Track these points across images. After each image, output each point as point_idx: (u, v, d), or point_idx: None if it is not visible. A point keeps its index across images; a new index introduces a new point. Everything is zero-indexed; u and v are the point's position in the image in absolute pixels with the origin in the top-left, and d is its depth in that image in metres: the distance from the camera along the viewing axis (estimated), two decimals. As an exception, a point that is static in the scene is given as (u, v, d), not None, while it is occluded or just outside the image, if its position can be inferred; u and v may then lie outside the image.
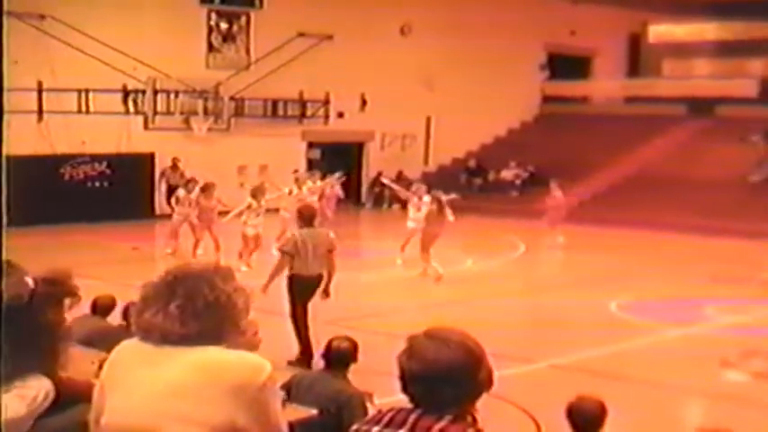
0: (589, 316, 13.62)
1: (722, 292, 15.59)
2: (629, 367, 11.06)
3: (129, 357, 2.84)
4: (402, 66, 28.43)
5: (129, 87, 23.74)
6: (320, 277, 10.33)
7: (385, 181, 23.65)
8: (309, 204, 12.96)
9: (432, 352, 2.66)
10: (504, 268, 18.85)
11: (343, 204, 24.57)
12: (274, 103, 26.74)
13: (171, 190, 19.54)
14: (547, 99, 33.78)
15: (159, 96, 24.32)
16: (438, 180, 25.33)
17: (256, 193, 17.09)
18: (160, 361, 2.73)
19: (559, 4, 31.52)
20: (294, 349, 10.32)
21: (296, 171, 23.09)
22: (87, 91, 22.61)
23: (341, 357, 6.51)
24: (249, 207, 16.76)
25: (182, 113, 24.92)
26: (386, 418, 2.73)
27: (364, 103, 28.46)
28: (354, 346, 6.60)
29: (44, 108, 22.57)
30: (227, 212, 17.46)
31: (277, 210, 18.73)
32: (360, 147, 29.80)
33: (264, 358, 2.76)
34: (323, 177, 21.60)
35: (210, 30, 26.02)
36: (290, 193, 18.87)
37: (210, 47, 26.03)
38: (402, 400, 2.74)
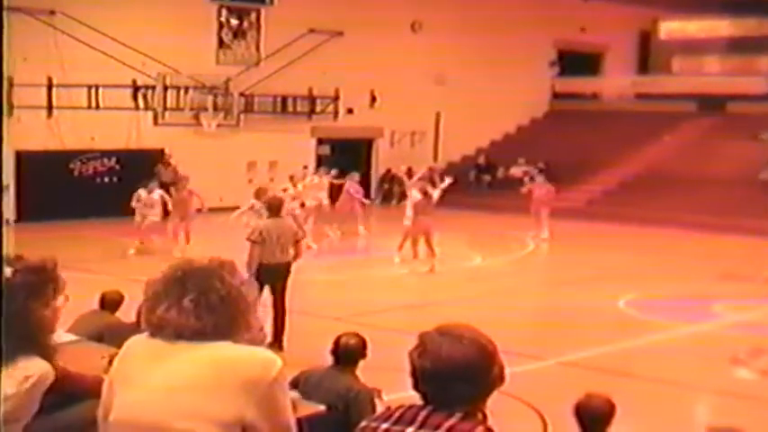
0: (597, 313, 13.56)
1: (732, 290, 15.52)
2: (638, 365, 11.04)
3: (140, 353, 2.83)
4: (412, 62, 28.40)
5: (139, 83, 23.71)
6: (287, 265, 11.12)
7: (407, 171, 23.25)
8: (277, 196, 13.21)
9: (445, 349, 2.62)
10: (512, 265, 18.84)
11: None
12: (284, 99, 26.71)
13: (163, 187, 19.23)
14: (557, 96, 33.65)
15: (169, 92, 24.27)
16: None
17: (259, 193, 17.21)
18: (171, 357, 2.73)
19: (570, 1, 31.47)
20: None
21: (305, 167, 23.12)
22: (97, 87, 22.60)
23: (349, 354, 6.49)
24: (251, 208, 16.91)
25: (191, 109, 24.87)
26: (395, 415, 2.71)
27: (374, 99, 28.42)
28: (363, 343, 6.59)
29: (54, 104, 22.58)
30: (202, 208, 18.61)
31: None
32: (369, 143, 29.79)
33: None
34: (340, 175, 21.69)
35: (221, 26, 26.01)
36: (285, 191, 18.97)
37: (221, 43, 26.02)
38: (411, 396, 2.73)
